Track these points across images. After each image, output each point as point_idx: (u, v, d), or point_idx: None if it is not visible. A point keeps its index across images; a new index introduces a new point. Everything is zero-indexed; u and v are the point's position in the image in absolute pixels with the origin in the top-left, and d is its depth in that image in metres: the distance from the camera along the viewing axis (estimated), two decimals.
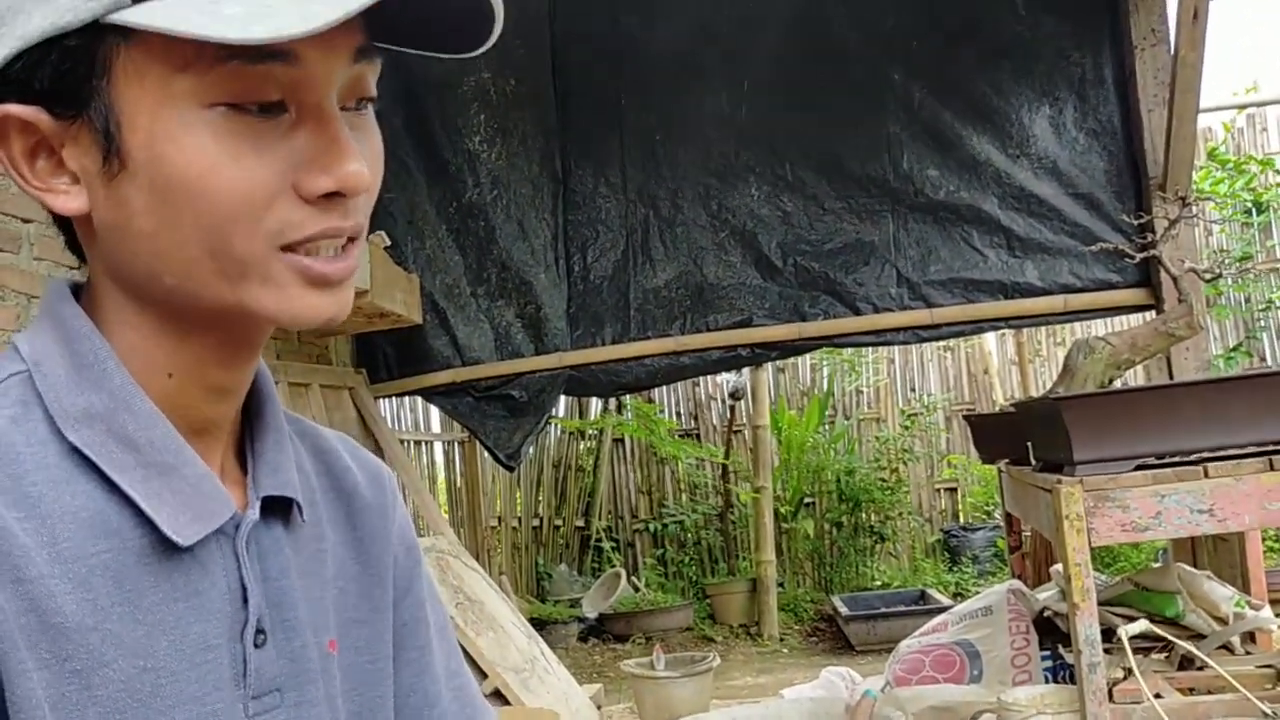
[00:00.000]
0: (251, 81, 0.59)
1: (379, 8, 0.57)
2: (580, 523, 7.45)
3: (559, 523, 7.40)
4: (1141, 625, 2.35)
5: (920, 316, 4.26)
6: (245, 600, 0.66)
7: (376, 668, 0.77)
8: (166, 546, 0.63)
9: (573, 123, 4.45)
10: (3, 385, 0.64)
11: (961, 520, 7.67)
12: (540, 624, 5.54)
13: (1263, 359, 7.38)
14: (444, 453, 6.74)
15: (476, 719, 0.86)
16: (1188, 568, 3.44)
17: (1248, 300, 7.32)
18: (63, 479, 0.61)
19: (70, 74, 0.61)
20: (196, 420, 0.68)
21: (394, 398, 5.57)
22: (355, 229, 0.65)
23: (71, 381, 0.63)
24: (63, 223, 0.68)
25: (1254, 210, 7.27)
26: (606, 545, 7.27)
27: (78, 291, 0.69)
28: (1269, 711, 2.17)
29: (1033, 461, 3.43)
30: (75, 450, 0.62)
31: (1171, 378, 4.05)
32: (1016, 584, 3.79)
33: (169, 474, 0.64)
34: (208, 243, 0.61)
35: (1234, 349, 7.06)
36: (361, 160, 0.63)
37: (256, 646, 0.66)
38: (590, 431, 7.51)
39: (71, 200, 0.63)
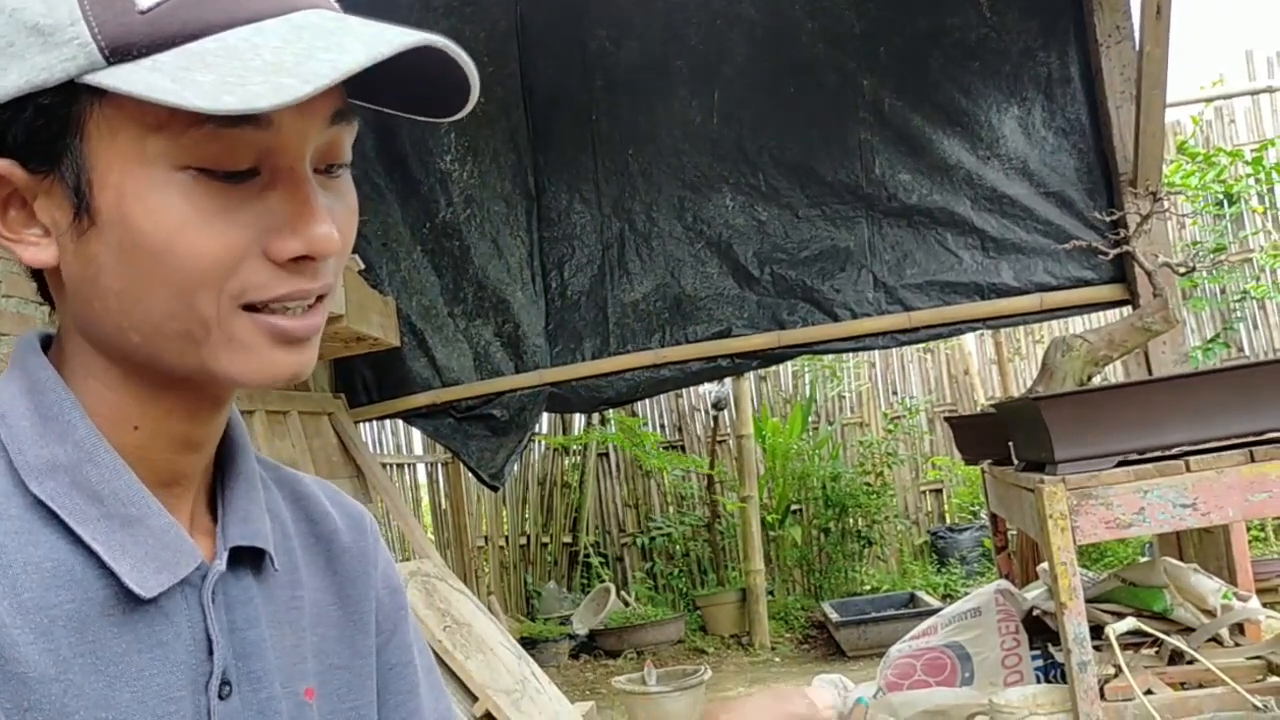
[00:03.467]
0: (224, 145, 0.60)
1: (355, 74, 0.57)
2: (568, 539, 7.42)
3: (546, 540, 7.37)
4: (1130, 623, 2.35)
5: (898, 321, 4.27)
6: (210, 652, 0.65)
7: (359, 714, 0.76)
8: (130, 598, 0.62)
9: (544, 139, 4.45)
10: None
11: (948, 521, 7.68)
12: (531, 643, 5.52)
13: (1240, 349, 7.43)
14: (427, 475, 6.71)
15: None
16: (1174, 561, 3.45)
17: (1223, 291, 7.37)
18: (25, 530, 0.61)
19: (44, 131, 0.61)
20: (164, 471, 0.68)
21: (374, 421, 5.55)
22: (324, 289, 0.65)
23: (36, 433, 0.63)
24: (35, 272, 0.68)
25: (1225, 202, 7.32)
26: (595, 561, 7.25)
27: (49, 342, 0.69)
28: (1260, 705, 2.17)
29: (1015, 461, 3.44)
30: (39, 502, 0.62)
31: (1150, 373, 4.07)
32: (1004, 584, 3.79)
33: (133, 525, 0.63)
34: (172, 303, 0.61)
35: (1211, 340, 7.11)
36: (331, 224, 0.63)
37: (221, 699, 0.65)
38: (575, 447, 7.49)
39: (41, 252, 0.64)
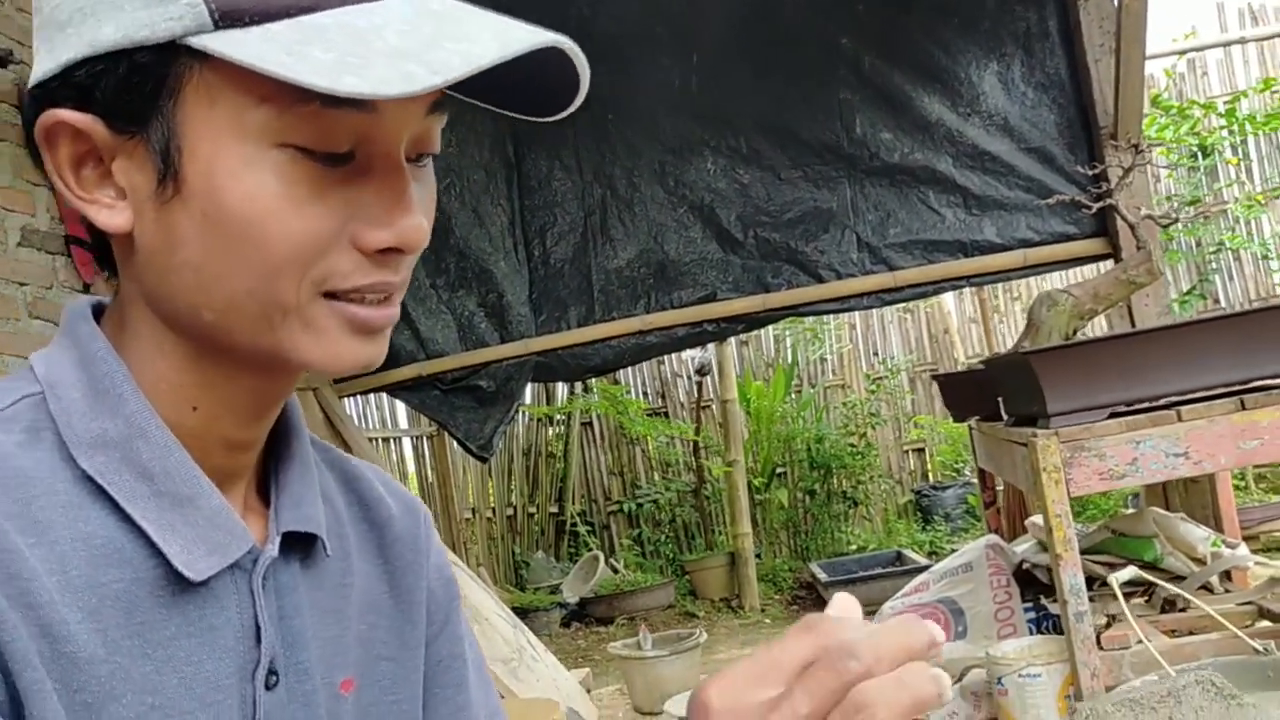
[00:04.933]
0: (325, 126, 0.57)
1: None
2: (554, 509, 7.43)
3: (533, 510, 7.37)
4: (1131, 571, 2.37)
5: (883, 280, 4.27)
6: (259, 639, 0.63)
7: (402, 708, 0.74)
8: (178, 580, 0.60)
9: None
10: (14, 408, 0.61)
11: (931, 479, 7.74)
12: (521, 612, 5.52)
13: (1216, 301, 7.49)
14: (413, 448, 6.68)
15: None
16: (1163, 511, 3.48)
17: (1199, 244, 7.42)
18: (73, 505, 0.58)
19: (136, 90, 0.58)
20: (219, 453, 0.65)
21: (359, 396, 5.51)
22: (403, 282, 0.64)
23: (86, 405, 0.61)
24: (97, 238, 0.65)
25: (1199, 154, 7.35)
26: (582, 529, 7.26)
27: (100, 312, 0.66)
28: (1260, 648, 2.19)
29: (1004, 417, 3.45)
30: (87, 477, 0.59)
31: (1133, 325, 4.09)
32: (994, 539, 3.81)
33: (183, 505, 0.61)
34: (253, 283, 0.59)
35: (1188, 293, 7.16)
36: (423, 217, 0.61)
37: (268, 689, 0.63)
38: (558, 417, 7.48)
39: (115, 216, 0.61)
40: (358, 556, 0.73)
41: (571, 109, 0.62)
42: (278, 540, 0.66)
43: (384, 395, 5.68)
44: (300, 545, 0.68)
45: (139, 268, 0.62)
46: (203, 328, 0.61)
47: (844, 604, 0.53)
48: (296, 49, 0.54)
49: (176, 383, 0.63)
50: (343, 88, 0.52)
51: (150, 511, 0.60)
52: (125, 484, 0.60)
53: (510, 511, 7.30)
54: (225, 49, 0.55)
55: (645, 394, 7.62)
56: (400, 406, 6.34)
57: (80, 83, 0.58)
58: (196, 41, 0.55)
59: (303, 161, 0.57)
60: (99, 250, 0.66)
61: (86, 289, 3.30)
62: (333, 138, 0.58)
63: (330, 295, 0.60)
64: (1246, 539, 4.07)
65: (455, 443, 5.73)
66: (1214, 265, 7.53)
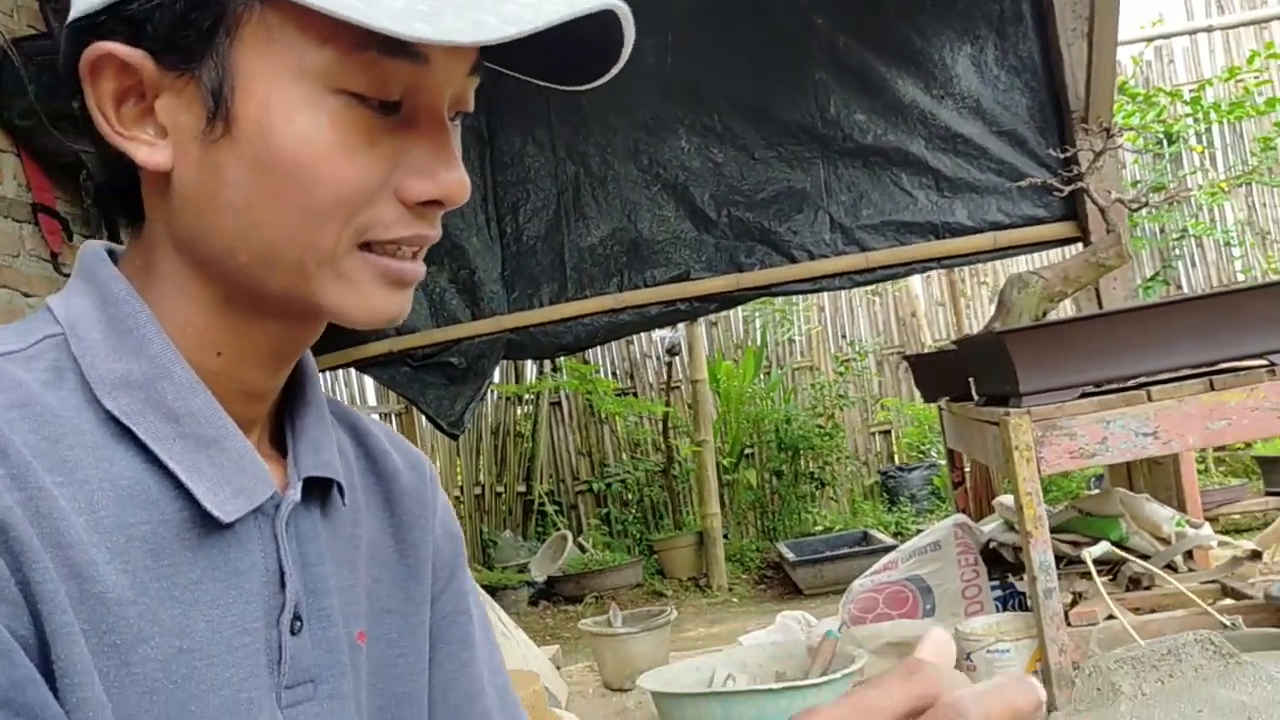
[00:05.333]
0: (381, 74, 0.57)
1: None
2: (522, 488, 7.42)
3: (500, 489, 7.37)
4: (1103, 547, 2.40)
5: (855, 261, 4.29)
6: (283, 584, 0.63)
7: (407, 661, 0.74)
8: (206, 522, 0.59)
9: (495, 81, 4.35)
10: (36, 348, 0.60)
11: (897, 461, 7.80)
12: (490, 591, 5.52)
13: (1179, 287, 7.58)
14: None
15: None
16: (1128, 491, 3.53)
17: (1162, 230, 7.50)
18: (100, 446, 0.57)
19: (193, 27, 0.57)
20: (240, 397, 0.65)
21: (327, 372, 5.47)
22: (437, 237, 0.64)
23: (109, 346, 0.60)
24: (118, 174, 0.63)
25: (1165, 141, 7.43)
26: (550, 508, 7.26)
27: (114, 256, 0.65)
28: (1228, 623, 2.23)
29: (975, 397, 3.49)
30: (112, 418, 0.59)
31: (1101, 308, 4.14)
32: (962, 518, 3.86)
33: (209, 446, 0.60)
34: (296, 230, 0.58)
35: (1152, 278, 7.25)
36: (464, 171, 0.61)
37: (293, 634, 0.63)
38: (527, 396, 7.46)
39: (156, 154, 0.60)
40: (365, 509, 0.73)
41: (607, 77, 0.62)
42: (299, 485, 0.65)
43: (353, 371, 5.64)
44: (319, 492, 0.67)
45: (174, 209, 0.61)
46: (235, 272, 0.60)
47: (939, 645, 0.52)
48: None
49: (203, 327, 0.62)
50: (414, 33, 0.52)
51: (176, 452, 0.59)
52: (151, 425, 0.59)
53: (478, 490, 7.28)
54: None
55: (614, 374, 7.62)
56: (369, 383, 6.30)
57: (132, 16, 0.57)
58: None
59: (357, 108, 0.57)
60: (117, 195, 0.64)
61: (54, 258, 3.24)
62: (386, 86, 0.57)
63: (365, 246, 0.60)
64: (1206, 520, 4.14)
65: (424, 420, 5.71)
66: (1177, 252, 7.63)
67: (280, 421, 0.70)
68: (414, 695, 0.74)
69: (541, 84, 0.64)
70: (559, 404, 7.58)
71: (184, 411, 0.60)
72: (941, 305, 7.98)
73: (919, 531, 6.19)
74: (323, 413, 0.71)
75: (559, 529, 6.96)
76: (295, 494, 0.65)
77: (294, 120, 0.57)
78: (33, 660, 0.51)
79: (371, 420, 0.80)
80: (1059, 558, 2.93)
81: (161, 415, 0.59)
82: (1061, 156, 3.95)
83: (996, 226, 4.31)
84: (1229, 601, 2.92)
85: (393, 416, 6.58)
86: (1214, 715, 0.60)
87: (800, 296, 7.14)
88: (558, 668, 3.99)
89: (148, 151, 0.59)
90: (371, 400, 6.62)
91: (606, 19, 0.58)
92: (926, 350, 7.63)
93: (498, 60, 0.63)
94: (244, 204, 0.58)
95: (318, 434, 0.69)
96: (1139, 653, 0.64)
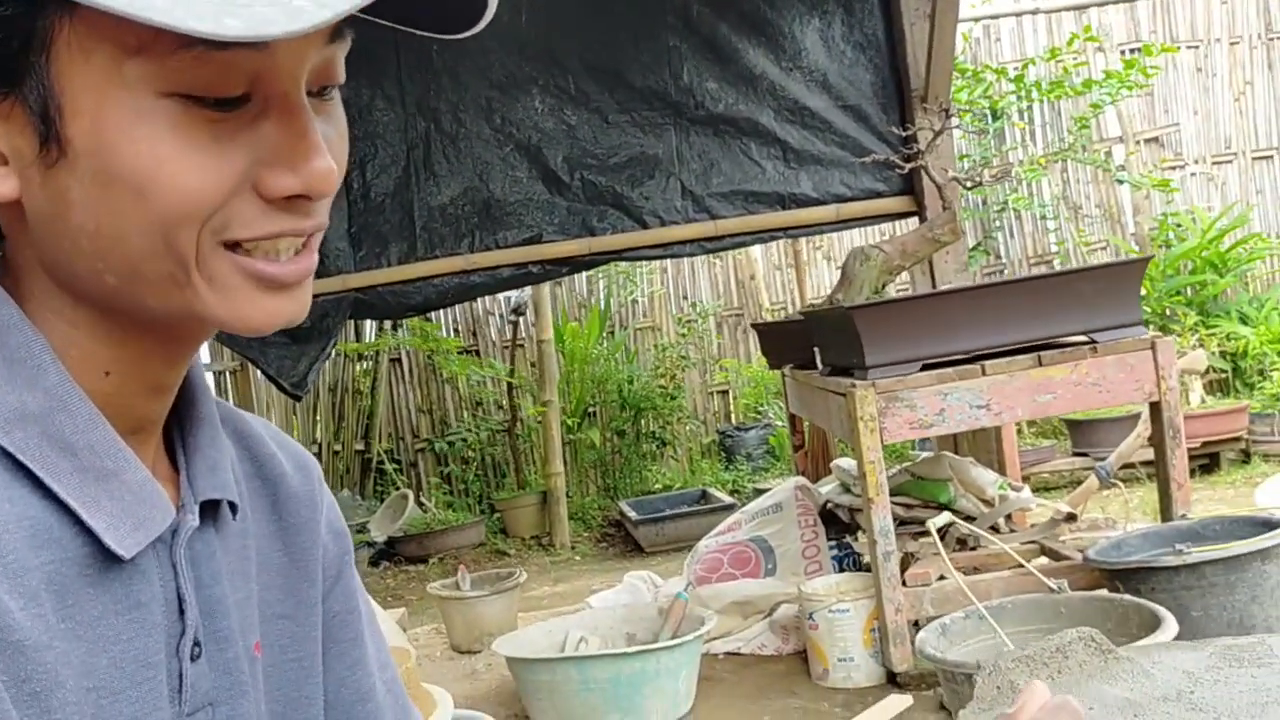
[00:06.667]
0: (214, 69, 0.53)
1: None
2: (360, 446, 7.28)
3: (338, 448, 7.20)
4: (945, 517, 2.54)
5: (705, 229, 4.36)
6: (182, 612, 0.61)
7: (302, 665, 0.73)
8: (105, 557, 0.57)
9: (341, 29, 4.21)
10: None
11: (734, 421, 8.00)
12: None
13: (998, 257, 8.00)
14: (215, 382, 6.39)
15: (409, 716, 0.83)
16: (955, 456, 3.74)
17: (984, 203, 7.88)
18: (1, 485, 0.54)
19: (3, 47, 0.53)
20: (132, 419, 0.62)
21: None
22: (316, 227, 0.60)
23: (2, 379, 0.56)
24: None
25: (989, 117, 7.79)
26: (389, 467, 7.15)
27: None
28: (1054, 586, 2.41)
29: (820, 366, 3.62)
30: (5, 453, 0.55)
31: (933, 280, 4.34)
32: (802, 481, 4.01)
33: (108, 480, 0.58)
34: (152, 242, 0.55)
35: (973, 249, 7.61)
36: (330, 158, 0.57)
37: (193, 660, 0.62)
38: (366, 354, 7.30)
39: (0, 184, 0.56)
40: (252, 516, 0.71)
41: (481, 24, 0.59)
42: (196, 509, 0.64)
43: None
44: (212, 510, 0.66)
45: (32, 235, 0.58)
46: (107, 292, 0.58)
47: (1038, 695, 0.54)
48: None
49: (85, 348, 0.59)
50: (226, 31, 0.48)
51: (74, 488, 0.56)
52: (48, 460, 0.56)
53: (315, 449, 7.10)
54: None
55: (457, 331, 7.53)
56: None
57: None
58: None
59: (193, 109, 0.54)
60: None
61: None
62: (223, 81, 0.54)
63: (232, 246, 0.57)
64: (1025, 478, 4.43)
65: (260, 378, 5.53)
66: (998, 224, 8.03)
67: (169, 434, 0.67)
68: (310, 698, 0.73)
69: (420, 33, 0.60)
70: (399, 360, 7.45)
71: (82, 445, 0.58)
72: (779, 269, 8.19)
73: (756, 489, 6.40)
74: (215, 427, 0.69)
75: (399, 488, 6.88)
76: (193, 519, 0.63)
77: (129, 132, 0.54)
78: None
79: (256, 420, 0.77)
80: (893, 519, 3.09)
81: (58, 449, 0.57)
82: (902, 135, 4.11)
83: (839, 199, 4.45)
84: (1047, 561, 3.14)
85: (226, 374, 6.34)
86: (1104, 713, 0.67)
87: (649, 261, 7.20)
88: (404, 630, 3.97)
89: None
90: (204, 357, 6.35)
91: None
92: (765, 312, 7.83)
93: (365, 15, 0.58)
94: (96, 225, 0.55)
95: (213, 453, 0.67)
96: (1032, 651, 0.70)
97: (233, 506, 0.67)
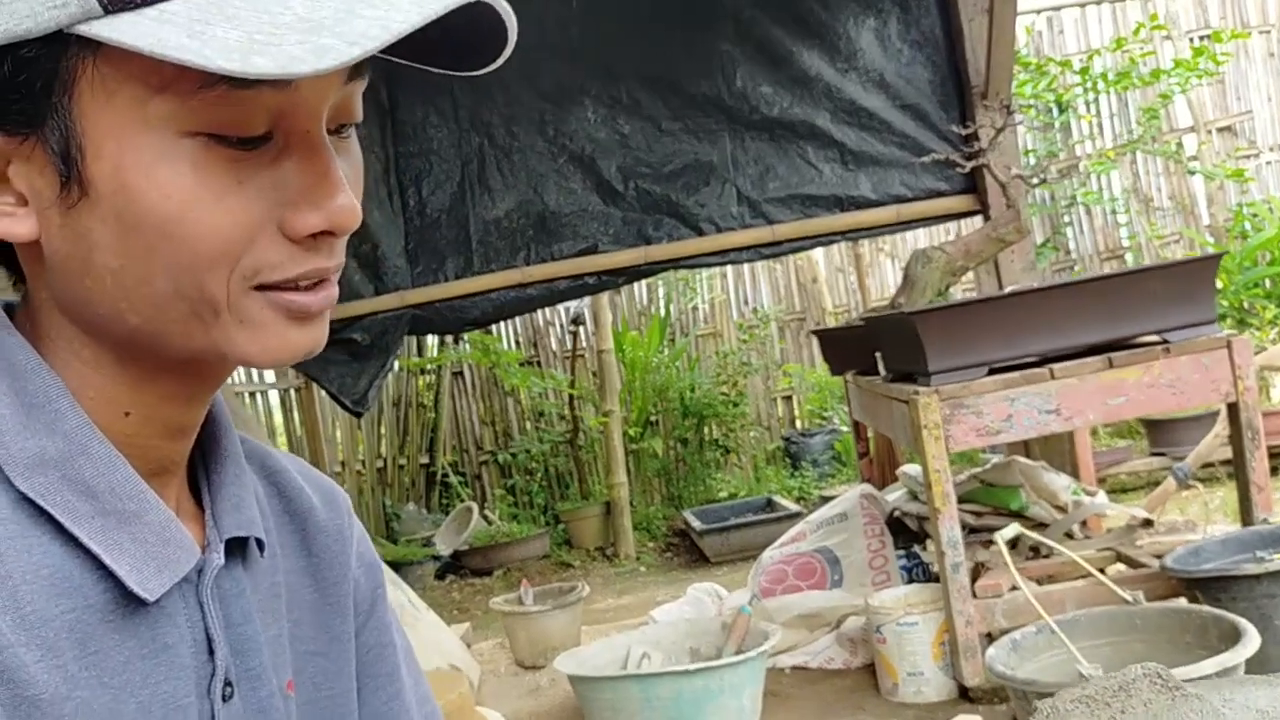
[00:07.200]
0: (237, 108, 0.53)
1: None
2: (425, 460, 7.32)
3: (403, 462, 7.26)
4: (1014, 529, 2.46)
5: (762, 234, 4.31)
6: (211, 652, 0.61)
7: (335, 702, 0.72)
8: (130, 601, 0.57)
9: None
10: None
11: (799, 426, 7.91)
12: (395, 566, 5.44)
13: (1067, 253, 7.82)
14: (280, 401, 6.48)
15: None
16: (1026, 461, 3.63)
17: (1053, 198, 7.71)
18: (17, 534, 0.54)
19: (25, 88, 0.53)
20: (154, 460, 0.61)
21: None
22: (338, 267, 0.60)
23: (20, 423, 0.56)
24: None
25: (1055, 110, 7.62)
26: (454, 480, 7.18)
27: (10, 312, 0.61)
28: (1129, 598, 2.31)
29: (882, 372, 3.54)
30: (25, 499, 0.55)
31: (1000, 280, 4.24)
32: (867, 488, 3.93)
33: (130, 522, 0.57)
34: (179, 283, 0.55)
35: (1042, 245, 7.44)
36: (352, 195, 0.57)
37: (225, 700, 0.61)
38: (428, 367, 7.35)
39: (18, 224, 0.56)
40: (281, 552, 0.71)
41: (500, 60, 0.59)
42: (221, 547, 0.63)
43: None
44: (239, 547, 0.65)
45: (52, 276, 0.58)
46: (129, 332, 0.57)
47: None
48: (198, 30, 0.50)
49: (105, 389, 0.59)
50: (254, 70, 0.48)
51: (96, 532, 0.56)
52: (68, 504, 0.55)
53: (380, 463, 7.16)
54: (118, 36, 0.50)
55: (518, 344, 7.54)
56: None
57: None
58: (87, 29, 0.51)
59: (216, 148, 0.54)
60: (1, 255, 0.61)
61: None
62: (246, 120, 0.54)
63: (262, 287, 0.57)
64: (1096, 482, 4.29)
65: (324, 395, 5.58)
66: (1066, 219, 7.85)
67: (194, 473, 0.67)
68: None
69: (437, 71, 0.61)
70: (461, 374, 7.48)
71: (103, 488, 0.57)
72: (841, 271, 8.08)
73: (822, 496, 6.31)
74: (240, 464, 0.68)
75: (463, 501, 6.90)
76: (219, 558, 0.63)
77: (152, 173, 0.53)
78: None
79: (282, 455, 0.77)
80: (962, 527, 3.01)
81: (79, 493, 0.56)
82: (963, 132, 4.01)
83: (900, 200, 4.36)
84: (1123, 568, 3.03)
85: (291, 392, 6.42)
86: None
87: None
88: (468, 646, 3.97)
89: (8, 224, 0.56)
90: (270, 376, 6.44)
91: (476, 9, 0.55)
92: (828, 316, 7.73)
93: (386, 55, 0.59)
94: (119, 265, 0.55)
95: (237, 490, 0.66)
96: (1092, 690, 0.65)
97: (260, 543, 0.66)
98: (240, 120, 0.54)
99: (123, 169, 0.53)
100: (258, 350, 0.58)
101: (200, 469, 0.67)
